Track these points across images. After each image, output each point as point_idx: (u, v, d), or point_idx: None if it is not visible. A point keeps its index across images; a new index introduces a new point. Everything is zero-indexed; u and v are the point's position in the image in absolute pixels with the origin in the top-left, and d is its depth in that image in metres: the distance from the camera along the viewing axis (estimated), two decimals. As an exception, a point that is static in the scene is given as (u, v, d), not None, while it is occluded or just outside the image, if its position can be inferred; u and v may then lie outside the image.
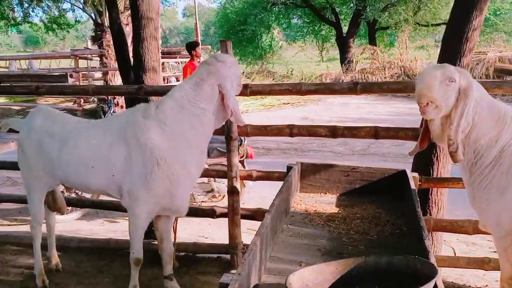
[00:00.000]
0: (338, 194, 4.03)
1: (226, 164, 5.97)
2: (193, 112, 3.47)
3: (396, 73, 19.52)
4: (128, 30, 9.49)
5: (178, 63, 18.46)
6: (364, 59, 22.44)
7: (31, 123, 3.89)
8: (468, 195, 3.19)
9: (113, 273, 4.37)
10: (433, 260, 2.42)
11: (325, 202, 3.87)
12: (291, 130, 4.22)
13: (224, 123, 3.86)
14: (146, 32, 4.80)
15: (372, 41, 24.72)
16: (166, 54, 19.19)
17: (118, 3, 5.26)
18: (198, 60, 9.99)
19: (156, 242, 4.40)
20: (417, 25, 24.31)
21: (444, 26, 26.95)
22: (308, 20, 27.81)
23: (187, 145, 3.48)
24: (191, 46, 10.19)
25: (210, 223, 6.26)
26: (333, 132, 4.16)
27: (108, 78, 14.03)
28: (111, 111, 7.44)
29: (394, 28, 24.38)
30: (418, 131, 4.04)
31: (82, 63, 16.87)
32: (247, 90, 4.15)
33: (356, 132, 4.15)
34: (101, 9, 13.47)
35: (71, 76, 14.76)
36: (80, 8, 14.95)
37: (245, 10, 27.03)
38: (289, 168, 3.98)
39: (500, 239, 3.02)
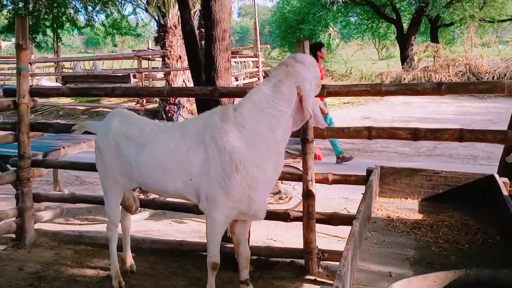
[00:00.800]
0: (419, 200, 3.87)
1: (293, 165, 5.95)
2: (271, 115, 3.38)
3: (460, 71, 18.88)
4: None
5: (237, 63, 18.53)
6: (427, 57, 21.78)
7: (108, 126, 3.91)
8: None
9: (187, 275, 4.33)
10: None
11: (407, 208, 3.71)
12: (370, 132, 4.07)
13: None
14: (218, 32, 4.75)
15: (434, 39, 23.99)
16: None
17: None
18: (323, 61, 9.56)
19: (229, 245, 4.36)
20: (482, 21, 23.44)
21: (510, 23, 26.03)
22: (366, 18, 27.33)
23: (266, 148, 3.39)
24: (316, 47, 9.41)
25: (277, 225, 6.19)
26: (415, 134, 3.98)
27: (170, 79, 14.21)
28: (180, 112, 7.47)
29: (459, 25, 23.59)
30: (507, 133, 3.83)
31: (144, 64, 17.18)
32: (324, 91, 4.03)
33: (440, 135, 3.95)
34: (164, 11, 13.66)
35: (134, 76, 15.05)
36: (143, 9, 15.21)
37: (303, 9, 26.85)
38: (369, 171, 3.85)
39: None
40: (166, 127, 3.83)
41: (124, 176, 3.87)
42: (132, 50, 21.58)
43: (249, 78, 19.23)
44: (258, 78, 17.44)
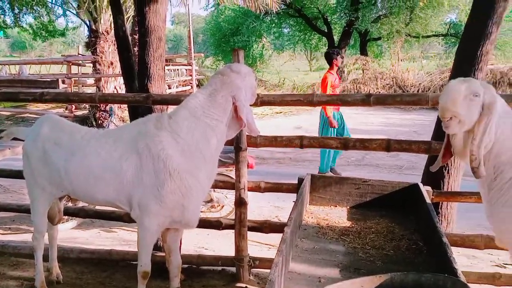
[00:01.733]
0: (348, 207, 3.99)
1: (226, 174, 5.97)
2: (206, 123, 3.39)
3: (388, 84, 19.62)
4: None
5: (171, 71, 18.38)
6: (356, 69, 22.51)
7: (38, 131, 3.79)
8: (484, 210, 3.14)
9: (116, 285, 4.25)
10: (463, 278, 2.37)
11: (336, 215, 3.81)
12: (302, 141, 4.16)
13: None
14: (153, 40, 4.72)
15: (363, 52, 24.84)
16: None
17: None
18: (337, 69, 9.30)
19: (160, 254, 4.32)
20: (408, 37, 24.51)
21: (434, 38, 27.38)
22: (299, 29, 27.88)
23: (200, 156, 3.40)
24: (332, 55, 9.15)
25: (209, 233, 6.19)
26: (345, 144, 4.11)
27: (101, 85, 13.91)
28: (111, 119, 7.34)
29: (386, 39, 24.54)
30: (431, 144, 4.02)
31: (73, 69, 16.72)
32: (258, 100, 4.09)
33: (368, 145, 4.10)
34: (96, 16, 13.39)
35: (63, 82, 14.62)
36: (74, 14, 14.83)
37: (237, 19, 27.04)
38: (300, 180, 3.93)
39: (515, 252, 2.98)
40: (99, 134, 3.75)
41: (52, 183, 3.76)
42: (61, 55, 20.96)
43: (182, 86, 19.14)
44: (192, 87, 17.37)
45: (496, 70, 18.03)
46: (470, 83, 2.85)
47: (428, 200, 3.52)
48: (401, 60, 21.98)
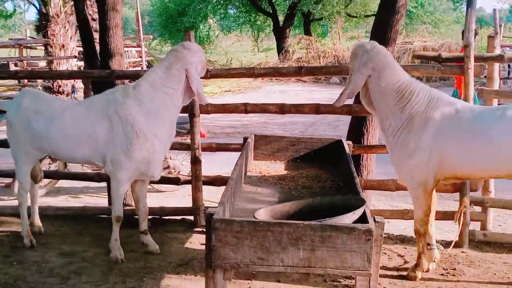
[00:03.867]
0: (286, 161, 4.80)
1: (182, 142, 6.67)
2: (165, 92, 4.14)
3: (330, 62, 20.60)
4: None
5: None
6: (300, 48, 23.42)
7: (19, 103, 4.41)
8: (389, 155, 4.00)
9: (92, 233, 4.95)
10: (363, 196, 3.21)
11: (275, 167, 4.62)
12: (246, 108, 4.93)
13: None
14: (112, 22, 5.34)
15: (307, 32, 25.74)
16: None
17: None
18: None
19: (127, 208, 5.03)
20: (349, 17, 25.55)
21: (373, 18, 28.45)
22: (244, 11, 28.47)
23: (161, 119, 4.16)
24: None
25: (167, 196, 6.91)
26: (282, 108, 4.90)
27: (53, 67, 14.17)
28: (74, 95, 7.91)
29: (327, 20, 25.52)
30: (351, 106, 4.88)
31: (24, 53, 16.79)
32: (208, 74, 4.82)
33: (301, 109, 4.91)
34: (46, 0, 13.64)
35: (15, 65, 14.79)
36: (22, -3, 14.98)
37: (184, 0, 27.37)
38: (245, 139, 4.71)
39: (412, 189, 3.85)
40: (73, 103, 4.45)
41: (34, 147, 4.40)
42: (10, 39, 20.87)
43: (133, 67, 19.49)
44: (142, 68, 17.80)
45: (429, 47, 19.32)
46: (357, 45, 3.78)
47: (348, 152, 4.38)
48: (346, 40, 23.02)
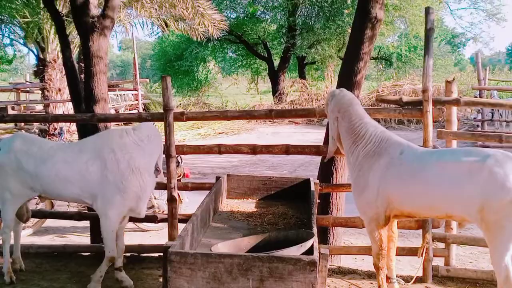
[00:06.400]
0: (257, 199, 5.03)
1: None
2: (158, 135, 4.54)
3: (323, 104, 20.97)
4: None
5: (118, 96, 19.20)
6: (294, 91, 23.97)
7: (10, 144, 4.66)
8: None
9: (70, 270, 5.13)
10: (314, 230, 3.43)
11: (246, 205, 4.85)
12: (219, 148, 5.19)
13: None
14: (96, 69, 5.67)
15: (302, 75, 26.38)
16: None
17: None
18: None
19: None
20: (341, 60, 26.10)
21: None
22: (242, 54, 29.21)
23: (153, 159, 4.51)
24: None
25: (151, 235, 7.12)
26: (254, 149, 5.16)
27: (49, 111, 14.60)
28: (62, 138, 8.23)
29: (320, 63, 26.16)
30: (319, 147, 5.14)
31: (22, 97, 17.29)
32: (183, 117, 5.11)
33: (272, 149, 5.17)
34: (44, 45, 14.16)
35: (12, 108, 15.22)
36: (21, 44, 15.52)
37: (181, 45, 28.14)
38: (217, 178, 4.96)
39: (366, 225, 4.07)
40: (64, 145, 4.80)
41: (25, 186, 4.61)
42: (9, 83, 21.41)
43: (129, 110, 19.92)
44: (138, 111, 18.21)
45: (418, 90, 19.78)
46: (329, 93, 4.15)
47: (312, 189, 4.62)
48: (336, 82, 23.50)
